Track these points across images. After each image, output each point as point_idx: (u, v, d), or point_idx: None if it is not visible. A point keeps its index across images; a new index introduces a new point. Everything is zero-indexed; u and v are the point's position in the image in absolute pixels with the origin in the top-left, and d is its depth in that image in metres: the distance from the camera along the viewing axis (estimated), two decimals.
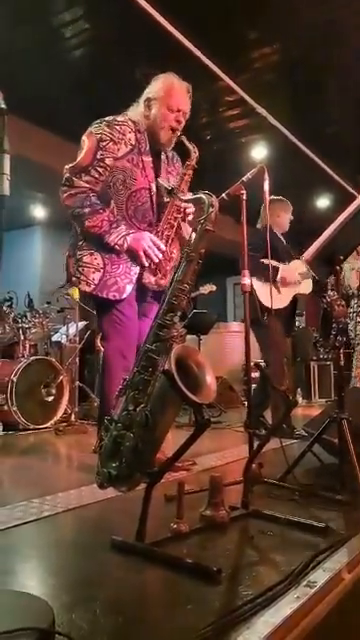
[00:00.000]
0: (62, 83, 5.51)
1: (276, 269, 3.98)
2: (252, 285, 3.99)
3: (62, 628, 1.11)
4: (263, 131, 6.51)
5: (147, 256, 2.71)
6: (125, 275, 2.74)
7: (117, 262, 2.74)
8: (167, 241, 2.78)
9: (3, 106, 1.14)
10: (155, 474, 1.61)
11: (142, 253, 2.69)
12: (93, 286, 2.73)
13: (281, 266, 4.07)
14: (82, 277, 2.76)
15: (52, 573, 1.49)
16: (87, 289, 2.75)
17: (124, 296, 2.72)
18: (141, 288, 2.83)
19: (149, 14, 4.24)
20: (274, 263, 3.91)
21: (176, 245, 2.84)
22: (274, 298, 3.84)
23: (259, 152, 6.95)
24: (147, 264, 2.74)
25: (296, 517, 1.87)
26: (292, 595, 1.27)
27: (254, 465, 2.08)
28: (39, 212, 8.78)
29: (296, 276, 4.11)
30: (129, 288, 2.73)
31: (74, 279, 2.81)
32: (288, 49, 5.07)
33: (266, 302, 3.81)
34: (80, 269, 2.77)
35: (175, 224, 2.80)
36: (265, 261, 3.95)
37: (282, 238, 4.34)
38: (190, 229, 2.74)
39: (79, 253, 2.80)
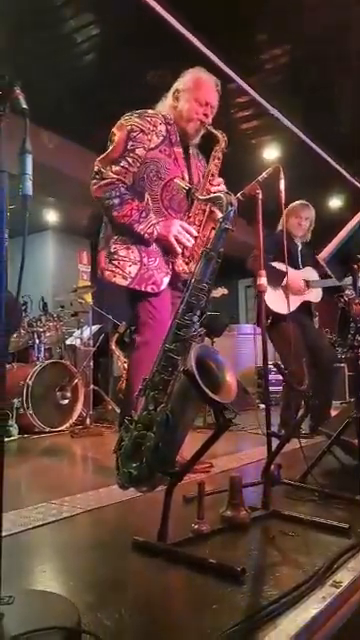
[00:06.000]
0: (74, 87, 5.53)
1: (283, 274, 3.98)
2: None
3: (88, 627, 1.10)
4: (275, 132, 6.50)
5: (178, 242, 2.70)
6: (161, 269, 2.72)
7: (154, 255, 2.72)
8: (200, 226, 2.77)
9: (25, 106, 1.14)
10: (176, 474, 1.60)
11: (173, 239, 2.68)
12: (130, 279, 2.68)
13: (288, 272, 4.07)
14: (117, 270, 2.70)
15: (75, 573, 1.49)
16: (123, 282, 2.69)
17: (162, 288, 2.70)
18: (174, 279, 2.80)
19: (160, 17, 4.26)
20: (282, 267, 3.92)
21: (209, 228, 2.80)
22: (280, 303, 3.86)
23: (271, 153, 6.93)
24: (180, 250, 2.73)
25: (317, 518, 1.85)
26: (318, 595, 1.26)
27: (272, 465, 2.07)
28: (51, 217, 8.80)
29: (301, 284, 4.11)
30: (166, 280, 2.72)
31: (107, 273, 2.73)
32: (299, 49, 5.05)
33: (272, 306, 3.87)
34: (115, 262, 2.72)
35: (207, 209, 2.78)
36: (274, 264, 3.96)
37: (298, 243, 4.32)
38: None
39: (114, 247, 2.75)
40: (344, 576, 1.37)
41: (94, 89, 5.55)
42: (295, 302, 4.10)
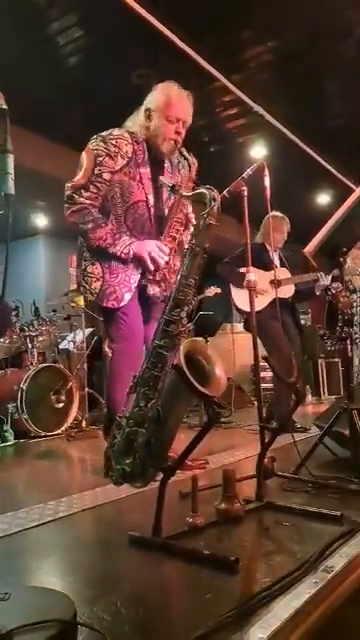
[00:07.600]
0: (61, 90, 5.54)
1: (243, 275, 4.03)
2: (231, 290, 4.33)
3: (84, 620, 1.12)
4: (261, 130, 6.52)
5: (152, 259, 2.75)
6: (124, 284, 2.79)
7: (115, 271, 2.80)
8: (170, 254, 2.81)
9: (4, 107, 1.16)
10: (169, 469, 1.62)
11: (147, 256, 2.73)
12: (95, 295, 2.81)
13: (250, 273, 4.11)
14: (87, 286, 2.85)
15: (72, 570, 1.51)
16: (91, 298, 2.85)
17: (122, 304, 2.78)
18: (146, 298, 2.89)
19: (142, 17, 4.28)
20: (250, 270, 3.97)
21: (179, 258, 2.85)
22: (247, 302, 3.91)
23: (258, 151, 6.95)
24: (153, 268, 2.78)
25: (311, 507, 1.87)
26: (310, 580, 1.28)
27: (266, 459, 2.09)
28: (41, 221, 8.79)
29: (266, 284, 4.16)
30: (127, 296, 2.79)
31: (81, 289, 2.91)
32: (283, 47, 5.08)
33: (240, 305, 4.15)
34: (85, 279, 2.86)
35: (177, 237, 2.84)
36: (241, 270, 4.01)
37: (270, 251, 4.34)
38: None
39: (84, 264, 2.89)
40: (336, 562, 1.38)
41: (82, 92, 5.56)
42: (265, 300, 4.14)
